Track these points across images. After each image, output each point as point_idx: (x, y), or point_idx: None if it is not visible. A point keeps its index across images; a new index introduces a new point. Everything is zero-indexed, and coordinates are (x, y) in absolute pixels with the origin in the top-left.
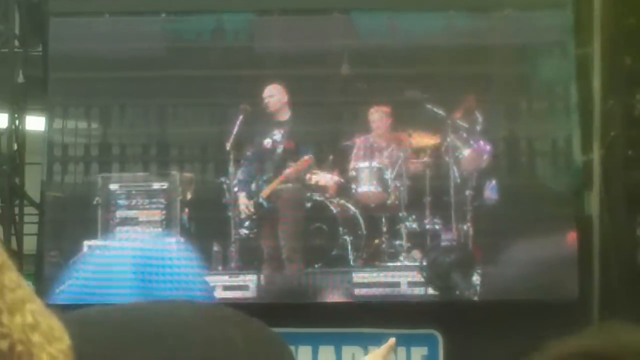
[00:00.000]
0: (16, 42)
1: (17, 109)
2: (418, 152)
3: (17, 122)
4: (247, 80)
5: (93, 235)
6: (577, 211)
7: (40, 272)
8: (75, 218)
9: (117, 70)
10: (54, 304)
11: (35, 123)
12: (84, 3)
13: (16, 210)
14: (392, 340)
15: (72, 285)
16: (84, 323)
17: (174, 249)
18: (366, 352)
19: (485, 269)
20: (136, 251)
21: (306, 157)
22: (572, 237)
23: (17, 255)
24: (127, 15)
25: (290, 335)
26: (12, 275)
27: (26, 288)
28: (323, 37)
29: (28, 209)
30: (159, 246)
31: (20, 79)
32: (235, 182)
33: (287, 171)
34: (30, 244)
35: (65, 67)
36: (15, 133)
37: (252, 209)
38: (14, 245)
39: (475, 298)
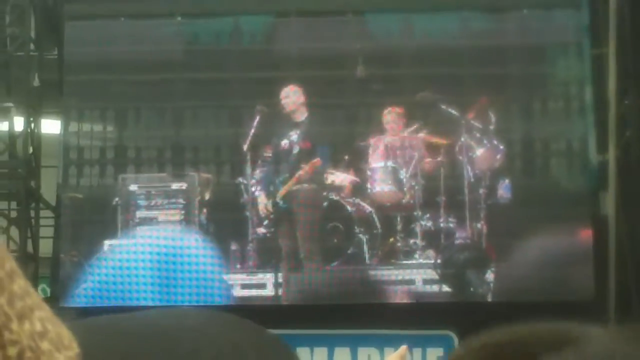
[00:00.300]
0: (32, 46)
1: (33, 112)
2: (432, 150)
3: (32, 125)
4: (264, 81)
5: (113, 235)
6: (593, 211)
7: (56, 274)
8: (95, 219)
9: (133, 73)
10: (73, 307)
11: (50, 126)
12: (99, 7)
13: (32, 213)
14: (403, 348)
15: (91, 286)
16: (92, 331)
17: (195, 246)
18: (382, 353)
19: (500, 269)
20: (157, 248)
21: (315, 160)
22: (587, 236)
23: (33, 258)
24: (142, 18)
25: (306, 337)
26: (22, 283)
27: (35, 295)
28: (338, 38)
29: (44, 212)
30: (180, 243)
31: (36, 82)
32: (253, 182)
33: (299, 173)
34: (46, 247)
35: (81, 70)
36: (31, 136)
37: (270, 209)
38: (30, 248)
39: (490, 299)
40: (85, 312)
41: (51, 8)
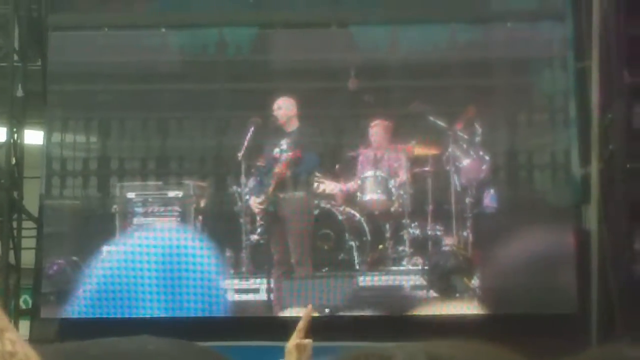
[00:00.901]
0: (15, 57)
1: (16, 123)
2: (420, 161)
3: (15, 135)
4: (250, 92)
5: (110, 242)
6: (576, 224)
7: (38, 286)
8: (92, 226)
9: (116, 84)
10: (54, 318)
11: (34, 137)
12: (84, 17)
13: (14, 224)
14: (309, 307)
15: (87, 296)
16: (60, 355)
17: (195, 247)
18: None
19: (484, 281)
20: (155, 255)
21: (290, 153)
22: (570, 250)
23: (15, 269)
24: (126, 29)
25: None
26: None
27: (4, 318)
28: (324, 51)
29: (26, 223)
30: (180, 245)
31: (20, 92)
32: (246, 190)
33: (276, 170)
34: (28, 258)
35: (64, 80)
36: (14, 147)
37: (262, 212)
38: (11, 259)
39: (473, 310)
40: (66, 324)
41: (35, 18)
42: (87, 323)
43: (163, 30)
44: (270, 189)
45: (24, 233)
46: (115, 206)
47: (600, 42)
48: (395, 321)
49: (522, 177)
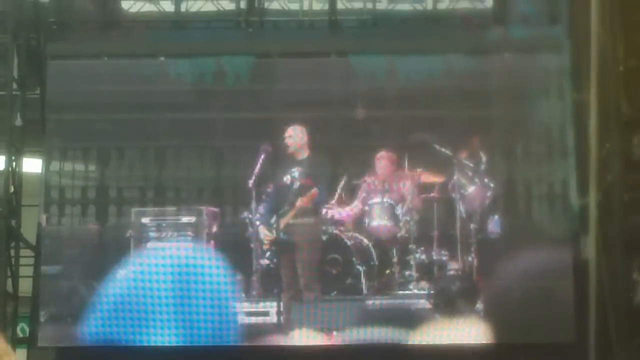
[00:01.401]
0: (14, 85)
1: (15, 152)
2: (426, 188)
3: (14, 164)
4: (248, 121)
5: (124, 266)
6: (574, 254)
7: (36, 314)
8: (108, 252)
9: (115, 112)
10: (51, 346)
11: (32, 165)
12: (82, 46)
13: (12, 252)
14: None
15: (100, 317)
16: None
17: (207, 265)
18: None
19: (487, 306)
20: (169, 274)
21: (314, 190)
22: (569, 279)
23: (13, 297)
24: (125, 58)
25: None
26: (1, 341)
27: (3, 342)
28: (322, 80)
29: (24, 251)
30: (192, 261)
31: (18, 121)
32: (257, 216)
33: (298, 203)
34: (25, 286)
35: (63, 109)
36: (12, 175)
37: (272, 239)
38: (9, 287)
39: (473, 340)
40: (64, 352)
41: (34, 47)
42: (85, 351)
43: (162, 59)
44: (287, 219)
45: (22, 261)
46: (130, 231)
47: (598, 74)
48: (398, 350)
49: (520, 206)
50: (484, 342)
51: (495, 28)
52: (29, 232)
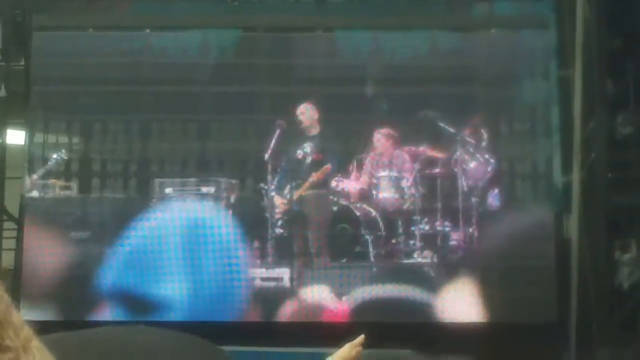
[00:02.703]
0: None
1: None
2: (430, 163)
3: None
4: (233, 95)
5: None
6: (557, 233)
7: (18, 287)
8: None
9: (100, 85)
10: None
11: (16, 137)
12: (68, 18)
13: None
14: (361, 337)
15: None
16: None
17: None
18: None
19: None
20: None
21: (327, 165)
22: (550, 259)
23: None
24: (111, 30)
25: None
26: (18, 315)
27: (27, 326)
28: (310, 55)
29: (7, 224)
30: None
31: (2, 92)
32: (272, 187)
33: (312, 178)
34: (7, 259)
35: (48, 81)
36: None
37: (285, 209)
38: None
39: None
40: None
41: (19, 18)
42: (71, 326)
43: (148, 31)
44: (300, 192)
45: (5, 234)
46: (154, 199)
47: (583, 51)
48: (386, 328)
49: (504, 185)
50: (464, 321)
51: (481, 4)
52: (11, 204)
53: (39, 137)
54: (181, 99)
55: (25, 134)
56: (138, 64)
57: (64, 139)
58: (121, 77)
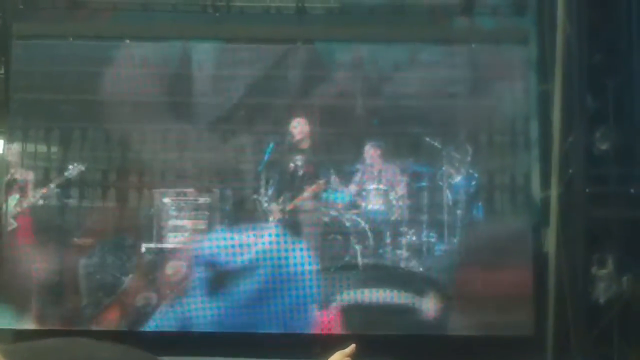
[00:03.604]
0: None
1: None
2: (417, 177)
3: None
4: (209, 106)
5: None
6: (535, 247)
7: None
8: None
9: (80, 94)
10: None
11: None
12: (48, 27)
13: None
14: (352, 346)
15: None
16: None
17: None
18: None
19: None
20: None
21: (320, 181)
22: (528, 273)
23: None
24: (90, 39)
25: None
26: None
27: None
28: (291, 66)
29: None
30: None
31: None
32: (266, 198)
33: (305, 193)
34: None
35: (27, 89)
36: None
37: (278, 218)
38: None
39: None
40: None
41: (0, 26)
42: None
43: (127, 41)
44: (292, 204)
45: None
46: (152, 209)
47: (563, 66)
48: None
49: (482, 198)
50: (441, 334)
51: (463, 18)
52: None
53: (17, 146)
54: (160, 109)
55: (3, 142)
56: (119, 73)
57: (42, 148)
58: (101, 86)
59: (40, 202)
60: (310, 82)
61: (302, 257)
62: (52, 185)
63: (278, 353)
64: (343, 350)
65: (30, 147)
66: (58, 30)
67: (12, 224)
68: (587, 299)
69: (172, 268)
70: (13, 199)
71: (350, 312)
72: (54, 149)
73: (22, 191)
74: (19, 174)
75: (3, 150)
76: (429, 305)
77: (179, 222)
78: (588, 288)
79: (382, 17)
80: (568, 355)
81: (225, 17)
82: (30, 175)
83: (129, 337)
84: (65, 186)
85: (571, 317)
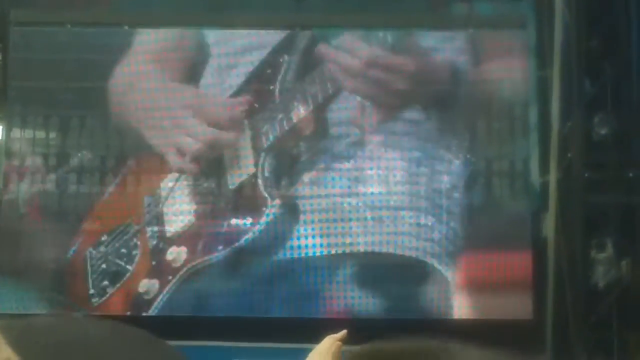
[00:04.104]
0: None
1: None
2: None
3: None
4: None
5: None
6: (534, 232)
7: None
8: None
9: (78, 80)
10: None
11: None
12: (46, 14)
13: None
14: (344, 332)
15: None
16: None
17: None
18: None
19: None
20: None
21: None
22: (527, 257)
23: None
24: (89, 26)
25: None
26: None
27: None
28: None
29: None
30: None
31: None
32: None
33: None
34: None
35: (25, 76)
36: None
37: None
38: None
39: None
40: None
41: None
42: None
43: (126, 28)
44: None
45: None
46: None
47: (561, 51)
48: (359, 324)
49: (480, 183)
50: (439, 318)
51: (461, 4)
52: None
53: (15, 132)
54: (157, 95)
55: (2, 129)
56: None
57: (41, 134)
58: (100, 73)
59: (40, 188)
60: (307, 68)
61: (302, 242)
62: (53, 173)
63: (274, 337)
64: (334, 335)
65: (29, 134)
66: (56, 17)
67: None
68: (586, 282)
69: (173, 253)
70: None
71: (350, 297)
72: (52, 135)
73: (21, 177)
74: (17, 161)
75: (2, 137)
76: (427, 289)
77: (181, 207)
78: (587, 272)
79: (379, 3)
80: (567, 339)
81: (222, 3)
82: (30, 162)
83: (134, 321)
84: (68, 173)
85: (570, 301)
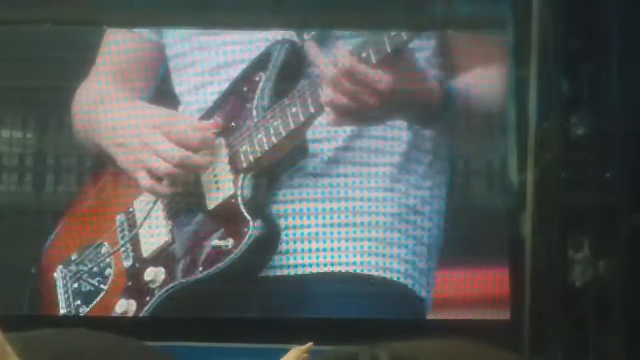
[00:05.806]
0: None
1: None
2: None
3: None
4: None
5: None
6: (511, 231)
7: None
8: None
9: (57, 79)
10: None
11: None
12: (26, 11)
13: None
14: (309, 344)
15: None
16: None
17: None
18: None
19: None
20: None
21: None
22: (504, 257)
23: None
24: (68, 24)
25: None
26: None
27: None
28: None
29: None
30: None
31: None
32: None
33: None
34: None
35: (3, 75)
36: None
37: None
38: None
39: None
40: None
41: None
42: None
43: (104, 27)
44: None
45: None
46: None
47: (539, 52)
48: (350, 324)
49: (457, 182)
50: (418, 318)
51: (439, 4)
52: None
53: None
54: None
55: None
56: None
57: (18, 134)
58: (77, 71)
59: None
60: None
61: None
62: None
63: (268, 338)
64: (300, 347)
65: (6, 133)
66: (36, 15)
67: None
68: (564, 282)
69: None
70: None
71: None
72: (29, 135)
73: None
74: None
75: None
76: (401, 288)
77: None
78: (564, 272)
79: (357, 4)
80: (544, 339)
81: (202, 3)
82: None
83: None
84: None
85: (547, 301)
